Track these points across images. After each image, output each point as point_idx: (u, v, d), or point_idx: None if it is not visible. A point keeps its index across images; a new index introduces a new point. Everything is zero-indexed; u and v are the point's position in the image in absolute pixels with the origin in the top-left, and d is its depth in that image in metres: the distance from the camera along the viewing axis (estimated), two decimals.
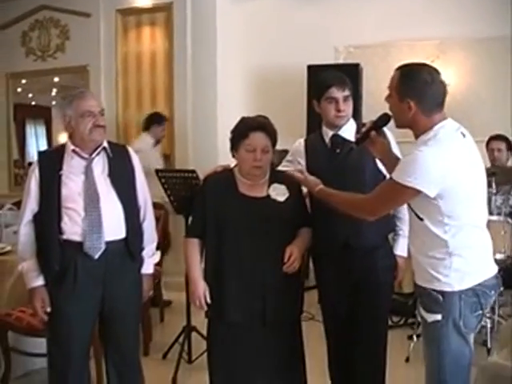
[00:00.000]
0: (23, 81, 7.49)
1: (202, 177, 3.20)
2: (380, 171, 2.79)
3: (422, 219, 2.31)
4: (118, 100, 6.66)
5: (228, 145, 2.86)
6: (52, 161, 2.83)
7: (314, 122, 3.07)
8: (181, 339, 4.19)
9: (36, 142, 7.88)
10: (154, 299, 4.72)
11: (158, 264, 4.92)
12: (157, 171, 4.22)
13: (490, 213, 4.18)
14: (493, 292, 2.34)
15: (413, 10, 6.18)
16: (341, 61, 6.55)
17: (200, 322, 3.91)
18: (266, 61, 6.72)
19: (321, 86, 2.93)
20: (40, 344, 3.50)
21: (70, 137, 2.85)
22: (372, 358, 2.94)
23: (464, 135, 2.32)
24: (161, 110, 6.38)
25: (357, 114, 5.50)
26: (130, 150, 3.04)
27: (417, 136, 2.35)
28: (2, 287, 3.81)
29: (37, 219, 2.82)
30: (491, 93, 6.04)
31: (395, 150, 2.75)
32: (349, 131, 2.93)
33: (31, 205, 2.81)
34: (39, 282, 2.79)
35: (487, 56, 6.05)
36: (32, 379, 3.90)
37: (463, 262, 2.27)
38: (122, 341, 2.94)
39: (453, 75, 6.10)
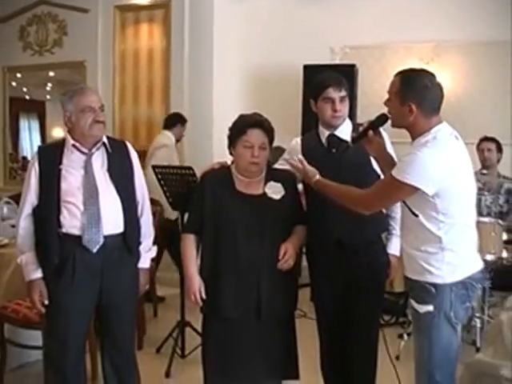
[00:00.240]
0: (18, 75, 7.51)
1: (198, 174, 3.24)
2: (375, 171, 2.83)
3: (416, 215, 2.40)
4: (115, 96, 6.69)
5: (224, 142, 2.90)
6: (52, 155, 2.85)
7: (310, 120, 3.12)
8: (174, 334, 4.22)
9: (29, 135, 7.88)
10: (148, 294, 4.75)
11: (153, 260, 4.97)
12: (153, 167, 4.26)
13: (480, 213, 4.25)
14: (479, 285, 2.49)
15: (409, 12, 6.23)
16: (337, 61, 6.60)
17: (194, 317, 3.96)
18: (262, 60, 6.76)
19: (318, 86, 2.97)
20: (35, 336, 3.53)
21: (70, 132, 2.87)
22: (364, 356, 2.98)
23: (457, 138, 2.43)
24: (157, 107, 6.44)
25: (352, 114, 5.58)
26: (129, 145, 3.07)
27: (414, 138, 2.43)
28: (0, 280, 3.83)
29: (36, 213, 2.84)
30: (486, 96, 6.11)
31: (389, 150, 2.80)
32: (345, 131, 2.97)
33: (31, 198, 2.83)
34: (37, 274, 2.82)
35: (482, 59, 6.12)
36: (27, 371, 3.92)
37: (455, 256, 2.39)
38: (118, 334, 2.97)
39: (447, 78, 6.15)
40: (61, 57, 7.02)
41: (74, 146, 2.84)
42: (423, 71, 2.46)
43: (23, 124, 7.90)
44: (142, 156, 6.09)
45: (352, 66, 6.02)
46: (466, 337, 4.20)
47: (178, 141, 5.97)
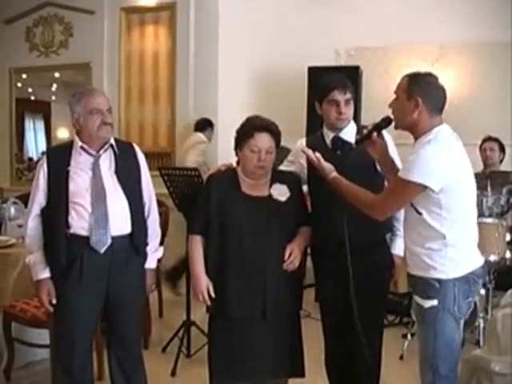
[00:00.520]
0: (24, 75, 7.54)
1: (204, 176, 3.27)
2: (379, 173, 2.86)
3: (420, 213, 2.46)
4: (121, 97, 6.73)
5: (228, 144, 2.93)
6: (60, 156, 2.88)
7: (314, 122, 3.14)
8: (180, 333, 4.25)
9: (35, 136, 7.91)
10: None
11: (160, 260, 5.00)
12: (159, 169, 4.29)
13: (482, 214, 4.27)
14: (481, 280, 2.57)
15: (413, 13, 6.28)
16: (341, 63, 6.63)
17: (199, 317, 4.01)
18: (267, 61, 6.80)
19: (323, 88, 2.99)
20: (42, 335, 3.58)
21: (78, 133, 2.90)
22: (367, 356, 2.99)
23: (457, 140, 2.52)
24: (163, 109, 6.51)
25: (356, 116, 5.60)
26: (136, 147, 3.09)
27: (416, 138, 2.50)
28: (7, 279, 3.87)
29: (44, 213, 2.87)
30: (490, 97, 6.14)
31: (393, 152, 2.84)
32: (349, 133, 2.99)
33: (39, 199, 2.87)
34: (45, 274, 2.85)
35: (487, 60, 6.16)
36: (34, 370, 3.96)
37: (457, 253, 2.46)
38: (124, 333, 3.00)
39: (452, 79, 6.20)
40: (67, 58, 7.07)
41: (82, 147, 2.87)
42: (430, 73, 2.56)
43: (28, 125, 7.93)
44: (148, 158, 6.19)
45: (356, 68, 6.05)
46: (469, 337, 4.22)
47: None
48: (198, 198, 3.01)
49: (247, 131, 2.81)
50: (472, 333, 4.26)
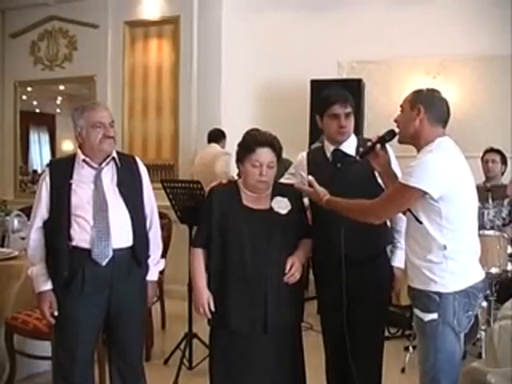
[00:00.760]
0: (29, 88, 7.59)
1: (206, 188, 3.29)
2: (380, 185, 2.88)
3: (421, 222, 2.48)
4: (124, 110, 6.76)
5: (232, 157, 2.94)
6: (63, 169, 2.91)
7: (317, 134, 3.17)
8: (182, 345, 4.26)
9: (39, 149, 7.93)
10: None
11: (162, 272, 5.02)
12: (162, 181, 4.32)
13: (484, 226, 4.28)
14: (481, 294, 2.56)
15: (416, 26, 6.31)
16: (344, 76, 6.66)
17: (201, 329, 4.00)
18: (270, 74, 6.84)
19: (324, 102, 3.02)
20: (44, 347, 3.58)
21: (81, 147, 2.93)
22: (367, 368, 3.00)
23: (459, 152, 2.55)
24: (166, 122, 6.53)
25: (358, 128, 5.64)
26: (138, 160, 3.12)
27: (419, 149, 2.54)
28: (9, 291, 3.88)
29: (47, 226, 2.89)
30: (492, 109, 6.16)
31: (394, 165, 2.86)
32: (350, 146, 3.02)
33: (41, 212, 2.89)
34: (47, 286, 2.87)
35: (489, 73, 6.19)
36: (35, 381, 3.97)
37: (457, 266, 2.46)
38: (125, 345, 3.01)
39: (454, 92, 6.23)
40: (71, 71, 7.11)
41: (84, 160, 2.89)
42: (435, 89, 2.64)
43: (33, 137, 7.95)
44: (151, 170, 6.22)
45: (358, 81, 6.09)
46: (471, 349, 4.22)
47: None
48: (199, 210, 3.03)
49: (248, 146, 2.83)
50: (474, 345, 4.25)
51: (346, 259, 2.93)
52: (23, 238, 3.98)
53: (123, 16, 6.73)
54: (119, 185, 2.92)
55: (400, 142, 2.64)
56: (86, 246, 2.80)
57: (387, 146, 2.77)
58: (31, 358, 3.83)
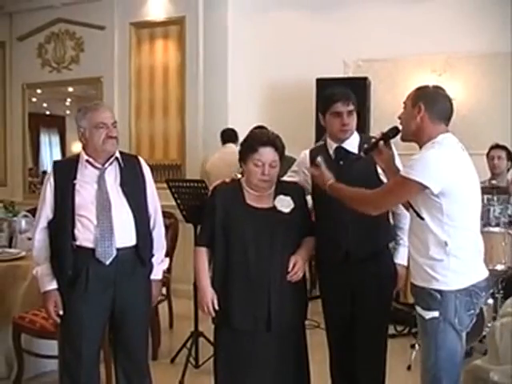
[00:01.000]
0: (38, 90, 7.65)
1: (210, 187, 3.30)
2: (382, 182, 2.88)
3: (423, 218, 2.48)
4: (131, 111, 6.79)
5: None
6: (66, 170, 2.94)
7: (322, 133, 3.18)
8: (188, 344, 4.28)
9: (50, 150, 7.98)
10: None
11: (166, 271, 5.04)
12: (167, 181, 4.34)
13: (489, 224, 4.27)
14: (483, 293, 2.54)
15: (421, 24, 6.27)
16: (350, 74, 6.65)
17: (207, 327, 4.01)
18: (276, 73, 6.84)
19: (327, 100, 3.04)
20: (52, 346, 3.61)
21: (84, 147, 2.96)
22: (371, 365, 3.02)
23: (463, 150, 2.55)
24: (173, 122, 6.56)
25: (365, 127, 5.64)
26: (141, 159, 3.15)
27: (421, 146, 2.55)
28: (17, 291, 3.92)
29: (51, 226, 2.93)
30: (498, 107, 6.12)
31: (398, 162, 2.86)
32: (352, 144, 3.03)
33: (46, 212, 2.92)
34: (52, 285, 2.90)
35: (494, 71, 6.14)
36: (43, 380, 4.01)
37: (460, 264, 2.46)
38: (130, 344, 3.03)
39: (460, 89, 6.21)
40: (78, 73, 7.15)
41: (87, 161, 2.92)
42: (438, 86, 2.66)
43: (44, 139, 8.02)
44: (158, 170, 6.27)
45: (364, 79, 6.09)
46: (478, 346, 4.21)
47: None
48: (203, 209, 3.05)
49: (251, 145, 2.85)
50: (481, 342, 4.25)
51: (348, 256, 2.95)
52: (30, 239, 4.01)
53: (129, 17, 6.76)
54: (122, 184, 2.94)
55: (403, 139, 2.64)
56: (89, 245, 2.83)
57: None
58: (38, 357, 3.87)
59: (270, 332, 2.81)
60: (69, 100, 7.77)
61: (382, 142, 2.71)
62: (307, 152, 3.21)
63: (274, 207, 2.88)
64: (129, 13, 6.78)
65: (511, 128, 5.96)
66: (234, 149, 5.90)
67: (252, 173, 2.84)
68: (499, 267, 4.08)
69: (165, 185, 4.34)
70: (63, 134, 7.83)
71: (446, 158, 2.41)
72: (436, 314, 2.47)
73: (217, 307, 2.84)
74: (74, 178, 2.90)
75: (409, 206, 2.58)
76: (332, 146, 3.06)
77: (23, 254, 4.15)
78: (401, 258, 3.05)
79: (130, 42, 6.78)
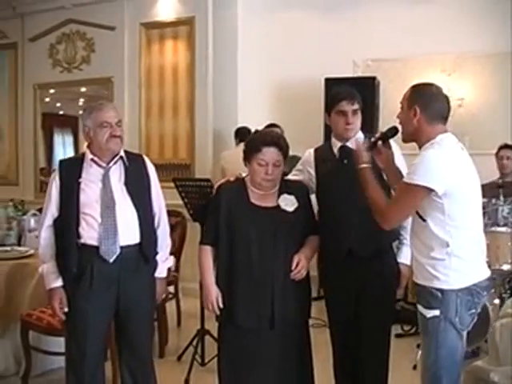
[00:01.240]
0: (51, 90, 7.70)
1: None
2: (385, 182, 2.89)
3: (425, 220, 2.48)
4: (141, 110, 6.83)
5: None
6: (72, 169, 2.97)
7: (331, 132, 3.19)
8: (195, 342, 4.31)
9: (63, 150, 8.02)
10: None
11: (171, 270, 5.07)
12: (174, 180, 4.37)
13: (497, 223, 4.26)
14: (485, 293, 2.54)
15: (430, 24, 6.27)
16: (359, 74, 6.66)
17: (214, 325, 4.02)
18: (286, 73, 6.85)
19: (332, 99, 3.06)
20: (59, 343, 3.65)
21: (89, 146, 3.00)
22: (374, 364, 3.02)
23: (462, 149, 2.54)
24: (182, 122, 6.59)
25: (373, 126, 5.63)
26: (146, 158, 3.17)
27: (420, 146, 2.54)
28: (25, 289, 3.96)
29: (56, 224, 2.96)
30: (507, 107, 6.08)
31: (400, 161, 2.87)
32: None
33: (52, 210, 2.96)
34: (58, 283, 2.94)
35: (503, 70, 6.11)
36: (50, 377, 4.05)
37: (461, 263, 2.45)
38: (135, 340, 3.05)
39: (469, 89, 6.22)
40: (89, 73, 7.20)
41: (92, 160, 2.96)
42: (433, 84, 2.62)
43: (57, 139, 8.07)
44: (168, 169, 6.31)
45: (373, 79, 6.09)
46: (484, 347, 4.19)
47: None
48: (208, 208, 3.08)
49: (255, 145, 2.87)
50: (486, 342, 4.23)
51: (352, 255, 2.96)
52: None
53: (139, 18, 6.80)
54: (127, 183, 2.97)
55: (404, 140, 2.63)
56: (94, 243, 2.86)
57: (392, 142, 2.80)
58: (46, 354, 3.91)
59: (274, 330, 2.83)
60: (82, 100, 7.81)
61: (380, 142, 2.71)
62: (312, 151, 3.22)
63: (278, 206, 2.90)
64: (139, 13, 6.82)
65: None
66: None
67: (256, 172, 2.86)
68: (505, 267, 4.07)
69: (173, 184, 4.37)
70: (76, 133, 7.85)
71: (446, 158, 2.41)
72: (437, 312, 2.47)
73: (221, 305, 2.86)
74: (79, 176, 2.93)
75: None
76: (336, 144, 3.07)
77: (31, 252, 4.20)
78: (404, 258, 3.05)
79: (140, 43, 6.82)
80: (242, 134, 6.03)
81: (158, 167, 6.14)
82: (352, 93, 3.04)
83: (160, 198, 3.15)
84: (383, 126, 5.83)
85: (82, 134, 3.09)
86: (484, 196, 4.34)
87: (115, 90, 6.97)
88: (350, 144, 3.00)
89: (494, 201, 4.36)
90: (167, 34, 6.71)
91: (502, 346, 2.77)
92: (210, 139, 6.51)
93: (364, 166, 2.67)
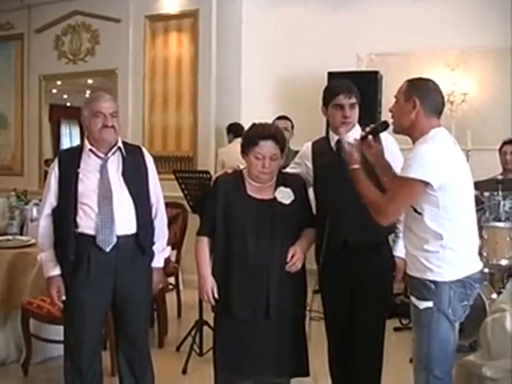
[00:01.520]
0: (58, 82, 7.74)
1: None
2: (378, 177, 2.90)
3: (420, 213, 2.49)
4: (145, 103, 6.86)
5: None
6: (71, 159, 3.01)
7: None
8: (193, 333, 4.33)
9: (70, 142, 8.06)
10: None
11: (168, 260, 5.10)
12: (174, 172, 4.40)
13: (499, 218, 4.26)
14: (477, 285, 2.57)
15: (434, 19, 6.27)
16: (363, 68, 6.66)
17: (212, 316, 4.07)
18: (289, 67, 6.86)
19: (329, 93, 3.07)
20: (59, 331, 3.67)
21: (88, 137, 3.04)
22: (368, 356, 3.04)
23: (455, 143, 2.57)
24: (185, 114, 6.61)
25: (375, 121, 5.63)
26: (144, 150, 3.20)
27: (414, 141, 2.56)
28: (26, 278, 4.01)
29: (55, 213, 3.00)
30: (510, 102, 6.08)
31: (398, 155, 2.88)
32: (354, 137, 3.03)
33: (50, 199, 3.00)
34: (56, 271, 2.98)
35: (507, 65, 6.10)
36: (50, 365, 4.08)
37: (455, 256, 2.47)
38: (131, 330, 3.09)
39: (473, 84, 6.21)
40: (93, 65, 7.22)
41: (90, 150, 2.99)
42: (429, 79, 2.64)
43: (64, 130, 8.12)
44: (171, 162, 6.35)
45: (375, 73, 6.09)
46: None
47: None
48: (205, 199, 3.10)
49: (252, 139, 2.89)
50: None
51: (347, 247, 2.98)
52: None
53: (144, 10, 6.82)
54: (124, 174, 3.00)
55: (395, 131, 2.66)
56: (91, 232, 2.90)
57: (388, 135, 2.81)
58: (46, 341, 3.96)
59: (269, 321, 2.86)
60: (88, 92, 7.84)
61: (370, 137, 2.71)
62: (309, 144, 3.23)
63: (275, 198, 2.92)
64: (144, 6, 6.84)
65: None
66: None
67: (253, 165, 2.88)
68: (503, 262, 4.07)
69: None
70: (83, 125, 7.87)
71: (440, 152, 2.43)
72: (430, 304, 2.49)
73: (216, 296, 2.89)
74: (78, 166, 2.97)
75: None
76: (334, 138, 3.08)
77: (33, 241, 4.21)
78: (400, 251, 3.04)
79: (145, 35, 6.83)
80: (234, 129, 6.08)
81: (161, 159, 6.29)
82: (349, 86, 3.04)
83: (158, 189, 3.18)
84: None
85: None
86: (485, 191, 4.39)
87: (119, 82, 6.99)
88: (348, 138, 3.02)
89: (495, 195, 4.36)
90: (171, 27, 6.73)
91: (494, 341, 2.78)
92: (212, 132, 6.53)
93: (355, 166, 2.67)
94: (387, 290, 3.13)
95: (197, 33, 6.53)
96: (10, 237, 4.49)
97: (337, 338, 3.14)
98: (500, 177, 4.56)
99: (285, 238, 2.89)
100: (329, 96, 3.06)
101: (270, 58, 6.82)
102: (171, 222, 4.78)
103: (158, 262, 3.17)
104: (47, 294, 3.11)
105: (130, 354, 3.12)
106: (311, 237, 3.02)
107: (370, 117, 3.06)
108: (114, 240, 2.91)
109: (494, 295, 4.14)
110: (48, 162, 7.76)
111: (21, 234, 4.63)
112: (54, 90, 7.80)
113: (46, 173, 7.56)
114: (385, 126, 2.72)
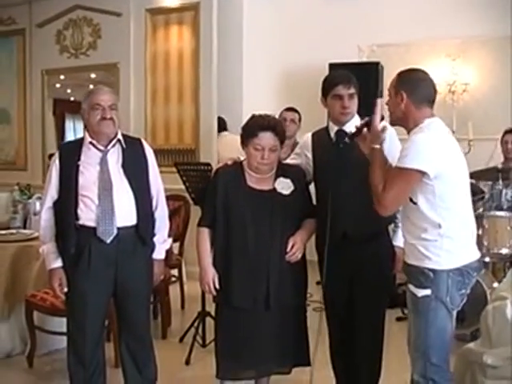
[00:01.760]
0: (62, 76, 7.73)
1: None
2: None
3: (415, 203, 2.51)
4: (147, 96, 6.84)
5: None
6: (71, 152, 3.04)
7: None
8: (196, 324, 4.36)
9: (75, 135, 7.99)
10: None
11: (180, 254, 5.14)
12: (175, 164, 4.42)
13: (501, 207, 4.27)
14: (475, 273, 2.58)
15: (435, 9, 6.27)
16: (364, 59, 6.66)
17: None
18: (290, 58, 6.87)
19: (328, 83, 3.09)
20: (63, 324, 3.70)
21: (88, 130, 3.06)
22: (368, 345, 3.05)
23: (449, 132, 2.61)
24: (187, 107, 6.60)
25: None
26: (144, 142, 3.22)
27: (409, 131, 2.58)
28: (30, 271, 4.06)
29: (56, 206, 3.03)
30: (510, 92, 6.07)
31: (392, 145, 2.88)
32: (353, 127, 3.05)
33: (51, 192, 3.04)
34: (58, 263, 3.01)
35: (508, 55, 6.09)
36: (55, 357, 4.12)
37: (453, 244, 2.49)
38: (133, 321, 3.12)
39: (474, 74, 6.21)
40: (95, 59, 7.21)
41: (91, 143, 3.02)
42: (419, 69, 2.68)
43: (69, 125, 8.11)
44: (173, 154, 6.37)
45: (376, 64, 6.09)
46: None
47: None
48: (206, 191, 3.12)
49: (251, 130, 2.92)
50: None
51: (347, 237, 2.99)
52: None
53: (144, 4, 6.79)
54: (124, 166, 3.02)
55: (391, 124, 2.70)
56: (91, 224, 2.92)
57: (390, 127, 2.81)
58: (50, 334, 3.99)
59: (269, 311, 2.88)
60: (91, 86, 7.83)
61: (365, 129, 2.71)
62: (309, 135, 3.25)
63: (275, 189, 2.94)
64: None
65: None
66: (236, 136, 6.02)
67: (252, 156, 2.90)
68: (504, 251, 4.08)
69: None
70: None
71: (435, 141, 2.45)
72: (428, 292, 2.50)
73: (217, 286, 2.91)
74: (79, 159, 3.00)
75: None
76: (333, 128, 3.10)
77: (36, 234, 4.24)
78: (399, 241, 3.04)
79: (146, 29, 6.81)
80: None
81: (163, 152, 6.30)
82: (348, 76, 3.05)
83: (158, 181, 3.20)
84: (386, 111, 5.89)
85: None
86: (486, 180, 4.40)
87: (121, 76, 6.98)
88: (348, 128, 3.03)
89: (497, 184, 4.36)
90: (172, 20, 6.70)
91: (495, 329, 2.79)
92: (214, 125, 6.51)
93: (373, 146, 2.66)
94: (387, 279, 3.15)
95: (198, 26, 6.50)
96: (13, 230, 4.54)
97: (337, 327, 3.16)
98: (500, 165, 4.57)
99: (284, 229, 2.91)
100: (328, 87, 3.07)
101: (271, 51, 6.83)
102: (174, 214, 4.82)
103: (158, 254, 3.19)
104: (49, 286, 3.14)
105: (133, 344, 3.15)
106: (311, 227, 3.04)
107: (370, 108, 3.05)
108: (115, 231, 2.93)
109: (496, 284, 4.15)
110: (52, 157, 7.77)
111: (24, 227, 4.67)
112: (58, 85, 7.80)
113: (49, 167, 7.60)
114: (380, 118, 2.72)
